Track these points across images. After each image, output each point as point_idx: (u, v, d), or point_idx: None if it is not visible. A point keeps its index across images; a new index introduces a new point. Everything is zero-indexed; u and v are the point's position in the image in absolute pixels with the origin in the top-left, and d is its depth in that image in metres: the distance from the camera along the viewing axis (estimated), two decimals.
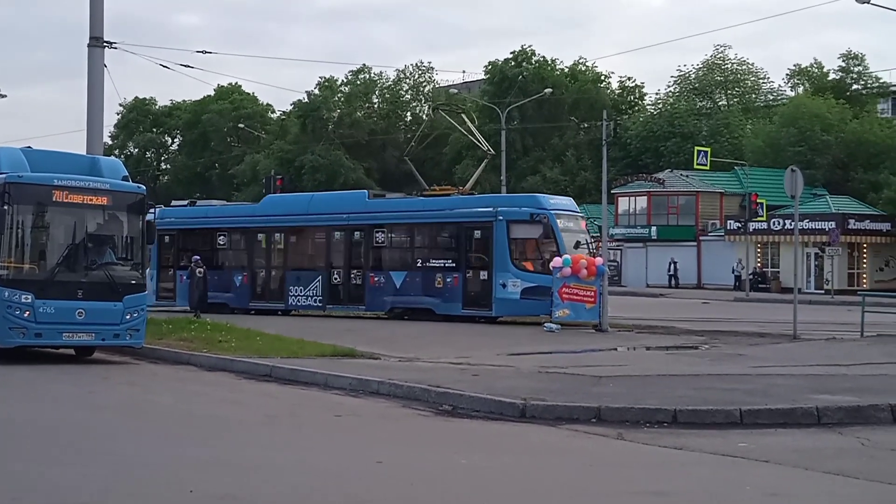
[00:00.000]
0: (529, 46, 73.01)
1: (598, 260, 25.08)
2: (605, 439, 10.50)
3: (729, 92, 74.78)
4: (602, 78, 75.23)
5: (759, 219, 48.83)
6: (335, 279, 29.47)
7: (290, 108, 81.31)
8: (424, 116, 40.08)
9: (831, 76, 68.91)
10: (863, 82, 68.75)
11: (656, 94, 79.12)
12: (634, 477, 8.81)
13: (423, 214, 28.24)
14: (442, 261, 27.83)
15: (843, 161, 58.78)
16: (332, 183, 71.13)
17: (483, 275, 26.76)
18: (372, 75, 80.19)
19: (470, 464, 9.29)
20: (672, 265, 55.41)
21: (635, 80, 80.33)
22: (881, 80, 69.96)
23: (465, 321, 26.26)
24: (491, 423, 11.56)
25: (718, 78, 74.14)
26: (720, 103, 74.29)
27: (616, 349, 20.21)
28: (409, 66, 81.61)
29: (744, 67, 74.65)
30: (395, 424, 11.72)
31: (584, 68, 74.52)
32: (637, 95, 77.96)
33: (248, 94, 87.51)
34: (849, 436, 10.47)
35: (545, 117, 68.73)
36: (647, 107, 76.05)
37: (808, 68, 70.59)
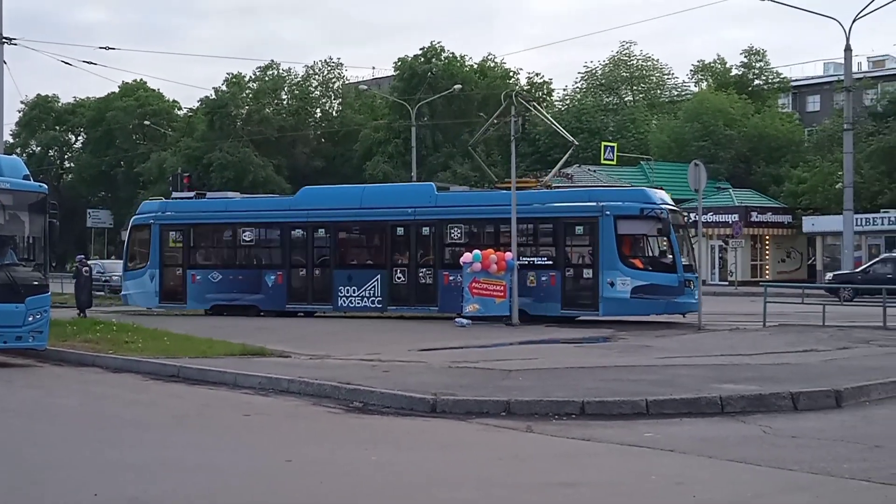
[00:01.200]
0: (439, 42, 73.10)
1: (508, 255, 25.22)
2: (514, 432, 10.58)
3: (635, 88, 75.85)
4: (511, 74, 75.65)
5: None
6: (398, 278, 27.31)
7: (198, 104, 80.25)
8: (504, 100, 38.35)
9: (734, 72, 70.33)
10: (764, 78, 70.31)
11: (564, 90, 79.96)
12: (543, 469, 8.91)
13: (510, 209, 25.51)
14: (535, 258, 26.13)
15: (745, 155, 60.07)
16: (241, 181, 70.32)
17: (587, 273, 25.34)
18: (280, 71, 79.52)
19: (380, 460, 9.30)
20: None
21: (543, 76, 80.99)
22: (782, 76, 71.69)
23: (559, 322, 24.71)
24: (402, 419, 11.58)
25: (624, 74, 75.17)
26: (626, 99, 75.31)
27: (526, 343, 20.34)
28: (318, 62, 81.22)
29: (649, 64, 75.80)
30: (305, 423, 11.66)
31: (493, 64, 74.88)
32: (545, 91, 78.56)
33: (154, 90, 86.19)
34: (751, 424, 10.70)
35: (455, 113, 68.88)
36: (556, 103, 76.72)
37: (712, 64, 71.98)
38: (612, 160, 53.06)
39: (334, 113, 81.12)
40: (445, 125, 68.85)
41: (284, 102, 79.51)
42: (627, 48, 74.78)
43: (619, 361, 15.75)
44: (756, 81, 69.90)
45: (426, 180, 63.59)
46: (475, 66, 73.88)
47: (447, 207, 27.24)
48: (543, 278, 25.62)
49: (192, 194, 32.33)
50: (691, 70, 74.64)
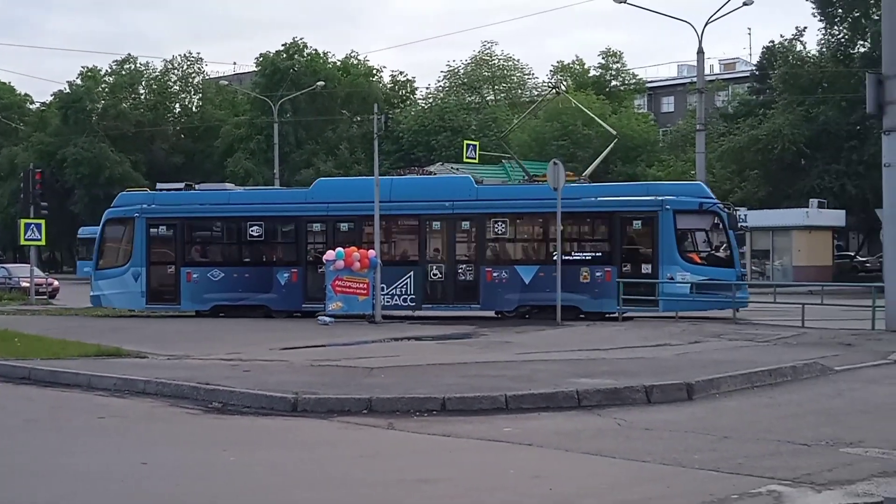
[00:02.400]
0: (301, 39, 72.62)
1: (371, 252, 25.22)
2: (375, 430, 10.59)
3: (496, 87, 76.72)
4: (374, 72, 75.65)
5: None
6: (434, 275, 26.22)
7: (51, 98, 77.85)
8: (549, 95, 37.12)
9: (592, 73, 71.85)
10: (621, 79, 72.02)
11: (427, 88, 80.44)
12: (403, 465, 8.94)
13: (562, 203, 24.72)
14: (588, 253, 25.65)
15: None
16: (96, 176, 68.58)
17: (645, 268, 24.85)
18: (138, 65, 77.81)
19: (239, 460, 9.18)
20: None
21: (406, 74, 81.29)
22: (638, 77, 73.58)
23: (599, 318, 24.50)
24: (262, 419, 11.45)
25: (486, 73, 75.95)
26: (488, 98, 76.10)
27: (389, 340, 20.37)
28: (178, 56, 79.75)
29: (510, 63, 76.78)
30: (162, 424, 11.43)
31: (356, 62, 74.75)
32: (408, 90, 78.81)
33: (5, 83, 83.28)
34: (607, 417, 10.95)
35: (318, 110, 68.53)
36: (419, 101, 77.04)
37: (571, 65, 73.37)
38: (475, 158, 53.46)
39: (194, 108, 79.79)
40: (308, 122, 68.45)
41: (142, 97, 77.89)
42: (489, 48, 75.70)
43: (480, 358, 15.90)
44: (613, 82, 71.59)
45: (289, 178, 63.25)
46: (338, 64, 73.63)
47: (489, 201, 26.26)
48: (598, 274, 25.03)
49: (181, 185, 29.98)
50: (551, 70, 76.02)
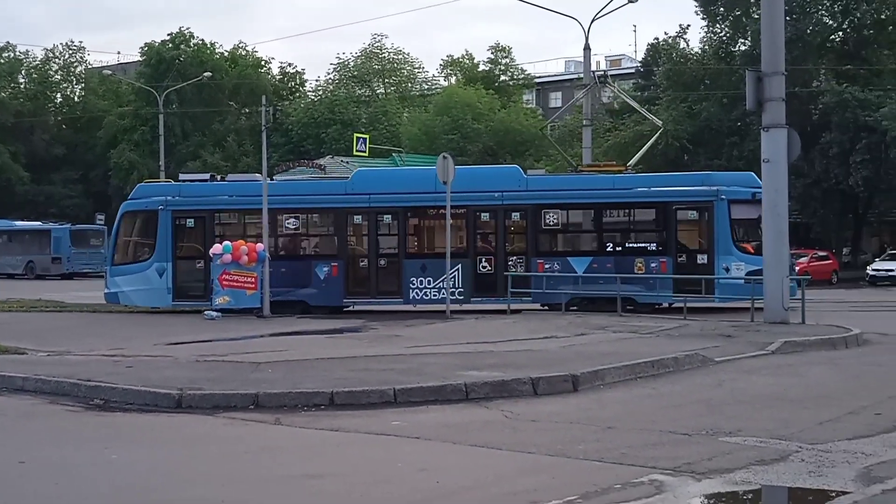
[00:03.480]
0: (188, 29, 71.52)
1: (259, 246, 24.95)
2: (262, 425, 10.48)
3: (386, 80, 76.67)
4: (262, 63, 74.86)
5: None
6: (483, 267, 25.65)
7: None
8: (580, 94, 36.43)
9: (481, 68, 72.29)
10: (510, 74, 72.62)
11: (317, 80, 79.90)
12: (290, 461, 8.87)
13: (615, 193, 24.95)
14: (643, 244, 25.25)
15: (492, 148, 61.73)
16: None
17: (701, 258, 24.78)
18: (17, 54, 75.57)
19: (121, 458, 8.99)
20: None
21: (296, 66, 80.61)
22: (526, 73, 74.32)
23: (665, 311, 24.22)
24: (145, 416, 11.23)
25: (376, 66, 75.82)
26: (378, 91, 76.01)
27: (277, 335, 20.20)
28: (59, 45, 77.70)
29: (400, 57, 76.80)
30: (41, 422, 11.12)
31: (244, 53, 73.87)
32: (298, 82, 78.23)
33: None
34: (494, 409, 11.04)
35: (205, 102, 67.55)
36: (308, 93, 76.54)
37: (460, 59, 73.72)
38: (365, 152, 53.37)
39: (76, 98, 77.86)
40: (195, 113, 67.43)
41: (21, 86, 75.63)
42: (379, 41, 75.57)
43: (370, 351, 15.85)
44: (502, 77, 72.14)
45: (175, 170, 62.13)
46: (226, 55, 72.69)
47: (541, 192, 25.66)
48: (653, 265, 24.83)
49: (206, 176, 28.61)
50: (441, 65, 76.32)
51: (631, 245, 25.28)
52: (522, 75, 73.86)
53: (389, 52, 76.08)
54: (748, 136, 44.28)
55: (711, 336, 17.73)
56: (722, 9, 51.16)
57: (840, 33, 50.87)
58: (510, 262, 25.59)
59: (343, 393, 11.55)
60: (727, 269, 24.48)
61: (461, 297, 25.42)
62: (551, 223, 25.89)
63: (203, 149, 66.34)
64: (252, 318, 24.03)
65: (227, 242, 24.77)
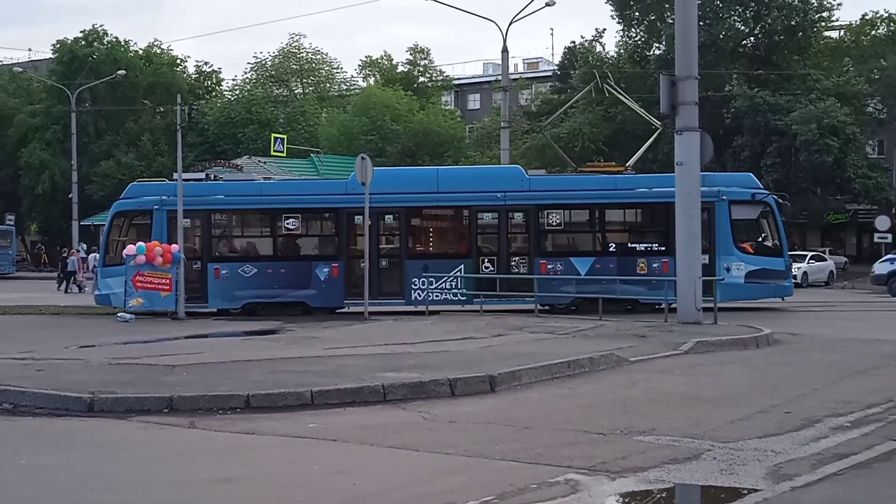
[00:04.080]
0: (101, 26, 70.17)
1: (174, 247, 24.61)
2: (176, 429, 10.33)
3: (304, 80, 76.26)
4: (178, 61, 73.86)
5: None
6: (486, 267, 25.52)
7: None
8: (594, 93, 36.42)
9: (400, 68, 72.30)
10: (429, 75, 72.74)
11: (233, 80, 79.15)
12: (205, 465, 8.76)
13: (617, 194, 25.14)
14: (646, 244, 25.39)
15: (411, 150, 61.82)
16: None
17: (703, 258, 23.79)
18: None
19: (30, 463, 8.81)
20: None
21: (212, 65, 79.72)
22: (445, 74, 74.50)
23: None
24: (57, 420, 10.99)
25: (294, 66, 75.36)
26: (296, 91, 75.55)
27: (193, 337, 19.94)
28: None
29: (318, 57, 76.43)
30: None
31: (159, 51, 72.79)
32: (214, 81, 77.35)
33: None
34: (412, 410, 11.04)
35: (119, 100, 66.36)
36: (225, 93, 75.74)
37: (379, 60, 73.61)
38: (283, 152, 53.02)
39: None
40: (109, 112, 66.23)
41: None
42: (297, 41, 75.11)
43: (287, 353, 15.73)
44: (421, 79, 72.24)
45: (88, 170, 61.00)
46: (140, 52, 71.52)
47: (543, 192, 25.51)
48: (655, 265, 24.97)
49: (202, 175, 27.91)
50: (359, 65, 76.08)
51: (633, 245, 25.51)
52: (441, 77, 74.05)
53: (307, 52, 75.69)
54: (663, 139, 44.89)
55: (626, 336, 17.95)
56: (637, 13, 51.99)
57: (752, 39, 51.99)
58: (513, 263, 25.62)
59: (259, 395, 11.45)
60: (728, 269, 24.80)
61: (462, 299, 25.38)
62: (554, 223, 26.04)
63: (117, 148, 65.20)
64: (167, 320, 23.72)
65: (140, 243, 24.38)
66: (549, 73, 65.60)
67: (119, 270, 25.51)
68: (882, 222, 43.64)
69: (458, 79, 77.64)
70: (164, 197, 25.93)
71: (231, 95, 73.57)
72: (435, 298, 25.22)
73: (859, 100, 50.93)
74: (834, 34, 56.22)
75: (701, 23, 43.54)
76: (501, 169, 30.13)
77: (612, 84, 32.68)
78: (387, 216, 26.10)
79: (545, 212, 25.72)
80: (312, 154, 58.95)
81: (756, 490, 7.41)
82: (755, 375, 13.81)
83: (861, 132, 49.78)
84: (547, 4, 39.81)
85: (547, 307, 25.19)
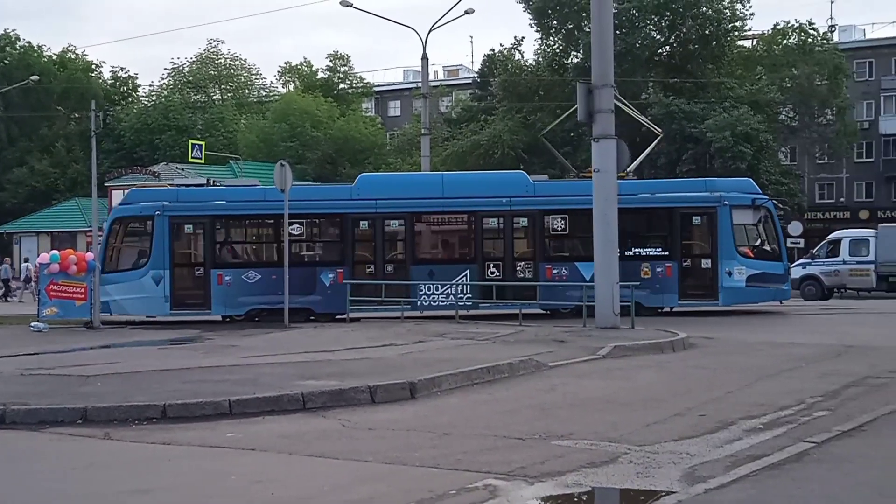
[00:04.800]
0: (13, 30, 68.92)
1: (89, 255, 24.22)
2: (91, 440, 10.16)
3: (223, 86, 75.60)
4: (93, 67, 72.75)
5: None
6: (491, 272, 25.45)
7: None
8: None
9: (320, 75, 72.04)
10: (349, 82, 72.58)
11: (150, 85, 78.15)
12: (120, 476, 8.62)
13: (621, 199, 23.76)
14: (649, 249, 25.56)
15: (331, 156, 61.68)
16: None
17: (705, 263, 25.37)
18: None
19: None
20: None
21: (129, 70, 78.67)
22: (366, 81, 74.38)
23: (674, 314, 24.87)
24: None
25: (212, 72, 74.68)
26: (214, 97, 74.86)
27: (108, 346, 19.62)
28: None
29: (237, 63, 75.86)
30: None
31: (73, 56, 71.60)
32: (130, 86, 76.31)
33: None
34: (331, 418, 10.99)
35: (32, 106, 65.10)
36: (142, 98, 74.76)
37: (299, 66, 73.26)
38: (201, 158, 52.46)
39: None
40: (21, 118, 64.93)
41: None
42: (215, 46, 74.47)
43: (205, 362, 15.57)
44: (341, 85, 72.07)
45: (0, 177, 59.73)
46: (54, 58, 70.28)
47: (548, 197, 25.42)
48: (659, 269, 25.20)
49: (203, 181, 27.34)
50: (279, 71, 75.60)
51: (637, 250, 25.59)
52: (361, 84, 73.96)
53: (226, 58, 75.05)
54: (581, 146, 45.40)
55: (545, 341, 18.09)
56: (555, 22, 52.42)
57: (667, 47, 52.77)
58: (518, 268, 25.65)
59: (176, 405, 11.30)
60: (730, 274, 25.22)
61: (468, 303, 25.34)
62: (558, 228, 26.05)
63: (30, 154, 63.99)
64: (83, 330, 23.31)
65: (54, 252, 23.98)
66: (469, 81, 65.92)
67: (119, 278, 25.31)
68: (795, 228, 44.57)
69: (379, 86, 77.61)
70: (166, 203, 25.61)
71: (148, 101, 72.63)
72: (439, 303, 25.23)
73: (772, 108, 51.97)
74: (747, 43, 57.31)
75: (617, 31, 44.13)
76: (506, 174, 30.37)
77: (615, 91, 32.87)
78: (392, 221, 26.04)
79: (550, 217, 25.85)
80: (231, 161, 58.46)
81: (671, 492, 7.51)
82: (671, 379, 14.01)
83: (773, 139, 50.85)
84: (466, 12, 39.98)
85: (547, 312, 25.55)
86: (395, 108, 79.46)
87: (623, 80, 42.95)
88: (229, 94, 74.97)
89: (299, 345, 18.21)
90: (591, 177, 27.71)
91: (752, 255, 25.73)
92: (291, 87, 72.33)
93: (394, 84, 80.00)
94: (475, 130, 52.11)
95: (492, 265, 25.71)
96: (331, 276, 25.48)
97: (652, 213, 26.21)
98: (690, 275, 25.61)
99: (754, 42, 58.21)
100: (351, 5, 39.08)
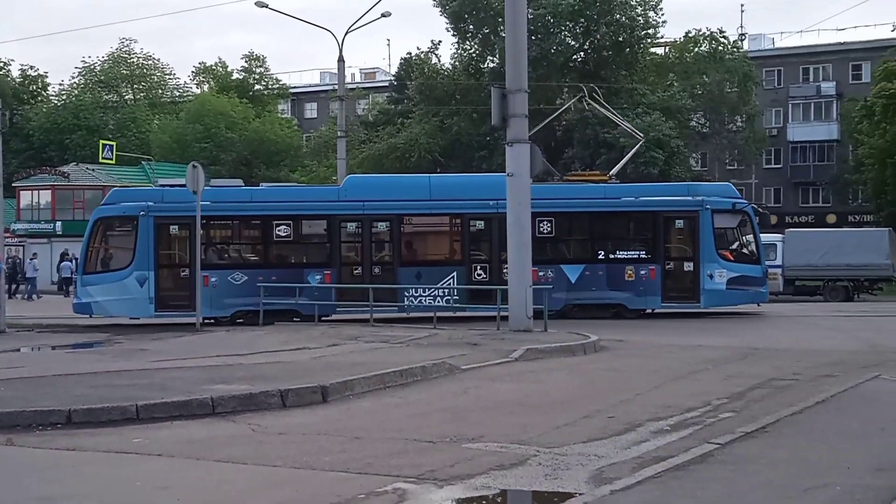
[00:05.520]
0: None
1: None
2: None
3: (135, 86, 74.42)
4: (1, 65, 71.07)
5: None
6: (478, 275, 25.53)
7: None
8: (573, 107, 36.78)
9: (235, 76, 71.37)
10: (264, 83, 72.02)
11: (60, 84, 76.62)
12: (23, 483, 8.43)
13: (606, 203, 25.78)
14: (633, 252, 25.90)
15: (246, 158, 61.15)
16: None
17: (687, 266, 25.80)
18: None
19: None
20: (73, 261, 53.65)
21: (38, 69, 77.05)
22: (281, 83, 73.85)
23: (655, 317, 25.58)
24: None
25: (124, 71, 73.48)
26: (127, 97, 73.66)
27: (12, 350, 19.18)
28: None
29: (150, 63, 74.77)
30: None
31: None
32: (40, 85, 74.72)
33: None
34: (241, 423, 10.88)
35: None
36: (52, 97, 73.24)
37: (213, 67, 72.48)
38: (111, 159, 51.62)
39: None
40: None
41: None
42: (128, 45, 73.30)
43: (113, 366, 15.30)
44: (256, 86, 71.48)
45: None
46: None
47: (534, 200, 24.37)
48: (642, 272, 25.61)
49: (181, 182, 26.21)
50: (193, 71, 74.73)
51: (621, 253, 26.05)
52: (277, 85, 73.39)
53: (139, 57, 73.90)
54: (496, 150, 45.67)
55: (459, 345, 18.15)
56: (471, 27, 52.66)
57: (582, 53, 53.33)
58: (505, 270, 25.06)
59: (81, 410, 11.08)
60: (711, 277, 25.68)
61: (455, 306, 25.50)
62: (545, 231, 26.04)
63: None
64: None
65: None
66: (386, 84, 65.87)
67: (102, 278, 25.21)
68: None
69: (295, 87, 77.14)
70: (151, 203, 25.43)
71: (58, 101, 71.17)
72: (427, 305, 25.24)
73: (683, 114, 52.88)
74: (659, 51, 58.25)
75: (532, 37, 44.62)
76: (492, 177, 30.14)
77: (599, 97, 33.60)
78: (380, 223, 26.03)
79: (537, 220, 25.45)
80: (144, 161, 57.61)
81: (578, 494, 7.61)
82: (582, 381, 14.17)
83: (685, 145, 51.74)
84: (383, 15, 39.98)
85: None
86: (311, 109, 79.08)
87: (538, 84, 43.37)
88: (142, 94, 73.84)
89: (211, 349, 18.02)
90: (576, 181, 29.04)
91: (731, 259, 26.27)
92: (206, 87, 71.51)
93: (310, 86, 79.61)
94: (392, 133, 52.09)
95: (479, 267, 25.91)
96: (318, 277, 25.45)
97: (636, 216, 26.64)
98: (673, 277, 26.08)
99: (667, 49, 59.19)
100: (266, 6, 38.79)
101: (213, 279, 25.11)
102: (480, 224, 26.26)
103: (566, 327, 21.26)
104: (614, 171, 30.55)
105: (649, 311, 26.28)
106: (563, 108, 40.94)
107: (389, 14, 39.79)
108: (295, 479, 8.30)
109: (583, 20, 50.52)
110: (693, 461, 8.60)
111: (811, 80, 67.08)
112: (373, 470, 8.46)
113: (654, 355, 17.31)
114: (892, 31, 53.17)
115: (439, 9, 52.39)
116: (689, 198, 26.36)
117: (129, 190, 28.57)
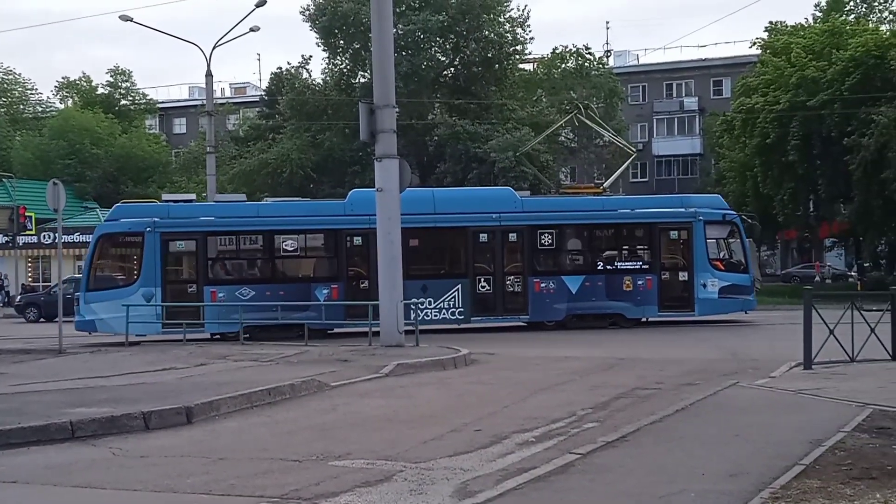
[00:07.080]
0: None
1: None
2: None
3: None
4: None
5: (28, 232, 47.75)
6: (482, 287, 26.09)
7: None
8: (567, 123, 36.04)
9: (100, 90, 69.79)
10: (131, 98, 70.60)
11: None
12: None
13: (604, 215, 26.71)
14: (632, 262, 26.65)
15: (113, 174, 59.79)
16: None
17: (682, 275, 26.57)
18: None
19: None
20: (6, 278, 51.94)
21: None
22: (149, 97, 72.51)
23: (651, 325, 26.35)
24: None
25: None
26: None
27: None
28: None
29: (11, 77, 72.56)
30: None
31: None
32: None
33: None
34: (102, 447, 10.61)
35: None
36: None
37: (77, 82, 70.76)
38: None
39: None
40: None
41: None
42: None
43: None
44: (123, 101, 70.03)
45: None
46: None
47: (536, 213, 25.81)
48: (640, 282, 26.42)
49: (192, 196, 26.34)
50: (56, 86, 72.84)
51: (620, 264, 26.83)
52: (144, 100, 72.01)
53: None
54: (369, 165, 45.55)
55: (329, 361, 18.07)
56: (342, 42, 52.55)
57: (452, 69, 53.78)
58: (507, 282, 26.38)
59: None
60: (704, 286, 26.61)
61: (461, 318, 26.03)
62: (546, 243, 26.78)
63: None
64: None
65: None
66: (257, 99, 65.25)
67: (106, 296, 24.86)
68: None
69: (163, 102, 75.84)
70: (157, 219, 25.05)
71: None
72: (432, 318, 25.59)
73: (550, 129, 53.78)
74: (528, 66, 59.14)
75: (403, 53, 44.85)
76: (494, 190, 31.18)
77: (594, 114, 34.36)
78: None
79: (538, 232, 26.59)
80: (4, 179, 55.78)
81: None
82: (451, 395, 14.25)
83: (554, 160, 52.58)
84: (251, 30, 39.59)
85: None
86: (180, 125, 77.85)
87: (409, 100, 43.57)
88: (2, 110, 71.57)
89: (74, 371, 17.52)
90: (571, 193, 30.13)
91: (722, 268, 27.22)
92: (70, 102, 69.71)
93: (178, 101, 78.38)
94: (263, 149, 51.57)
95: (482, 280, 26.38)
96: (325, 291, 25.52)
97: (632, 228, 27.60)
98: (669, 287, 26.94)
99: (535, 65, 60.13)
100: (131, 19, 38.11)
101: (220, 294, 25.16)
102: (483, 237, 26.73)
103: (438, 342, 21.37)
104: (607, 183, 31.81)
105: (644, 319, 27.16)
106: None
107: (258, 28, 39.47)
108: (155, 502, 8.14)
109: (452, 36, 50.95)
110: (554, 472, 8.74)
111: (674, 95, 69.11)
112: (236, 491, 8.35)
113: (523, 367, 17.54)
114: (751, 47, 54.75)
115: (309, 24, 52.18)
116: (683, 209, 27.34)
117: (135, 206, 27.93)
